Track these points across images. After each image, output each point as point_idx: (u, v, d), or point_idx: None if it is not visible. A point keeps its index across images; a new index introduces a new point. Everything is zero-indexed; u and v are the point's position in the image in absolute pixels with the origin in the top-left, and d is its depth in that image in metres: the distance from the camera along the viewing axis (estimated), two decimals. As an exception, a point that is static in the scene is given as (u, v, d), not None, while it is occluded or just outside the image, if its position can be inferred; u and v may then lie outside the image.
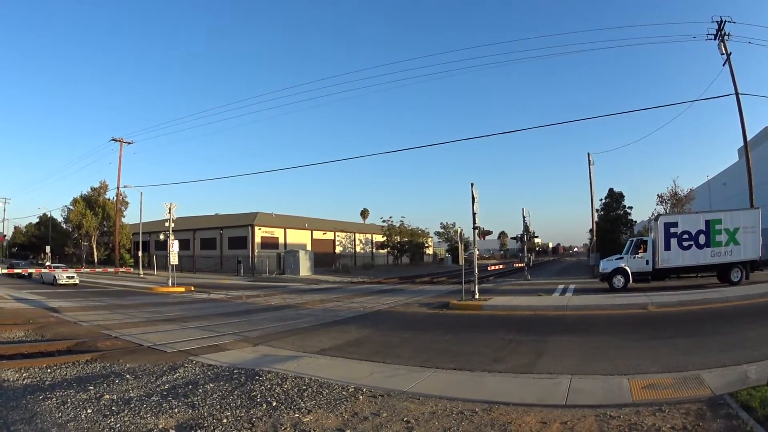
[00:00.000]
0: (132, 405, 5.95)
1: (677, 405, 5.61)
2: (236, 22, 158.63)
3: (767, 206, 27.80)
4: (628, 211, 44.05)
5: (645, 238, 22.20)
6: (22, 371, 7.93)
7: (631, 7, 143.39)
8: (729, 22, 25.94)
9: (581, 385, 6.78)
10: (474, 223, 18.89)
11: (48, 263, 43.33)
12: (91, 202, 56.97)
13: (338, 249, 65.12)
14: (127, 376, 7.57)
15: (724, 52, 26.22)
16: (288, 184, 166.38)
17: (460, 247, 19.93)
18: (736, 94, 25.89)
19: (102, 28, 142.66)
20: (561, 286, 24.24)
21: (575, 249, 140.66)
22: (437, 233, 76.88)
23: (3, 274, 34.75)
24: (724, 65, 26.38)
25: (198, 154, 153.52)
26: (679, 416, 5.24)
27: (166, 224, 29.44)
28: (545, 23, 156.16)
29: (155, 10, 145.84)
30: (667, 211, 37.59)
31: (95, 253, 56.06)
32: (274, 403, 6.04)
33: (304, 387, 6.81)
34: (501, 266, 48.08)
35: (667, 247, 20.51)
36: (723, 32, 26.11)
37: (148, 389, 6.76)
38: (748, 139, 27.36)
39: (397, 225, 66.20)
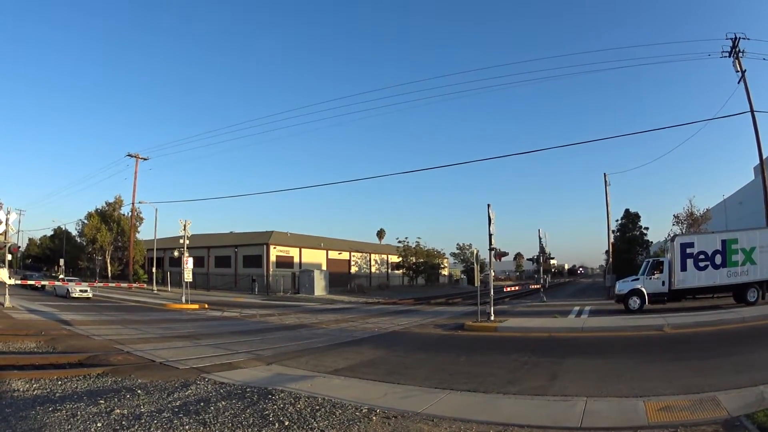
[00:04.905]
0: (143, 420, 5.84)
1: (693, 427, 5.56)
2: (255, 41, 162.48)
3: (784, 225, 27.35)
4: (645, 231, 43.41)
5: (661, 259, 21.96)
6: (32, 382, 7.88)
7: (646, 27, 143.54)
8: (743, 38, 25.79)
9: (596, 407, 6.72)
10: (490, 244, 18.76)
11: (62, 276, 43.42)
12: (106, 216, 57.17)
13: (353, 269, 64.74)
14: (139, 391, 7.47)
15: (738, 69, 25.96)
16: (304, 204, 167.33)
17: (476, 268, 19.60)
18: (752, 111, 25.60)
19: (120, 44, 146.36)
20: (576, 308, 23.97)
21: (581, 270, 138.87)
22: (453, 254, 76.22)
23: (16, 285, 34.87)
24: (739, 83, 26.11)
25: (214, 171, 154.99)
26: (695, 438, 5.17)
27: (181, 241, 29.55)
28: (560, 43, 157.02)
29: (174, 28, 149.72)
30: (684, 231, 36.98)
31: (109, 268, 56.08)
32: (287, 423, 5.90)
33: (317, 407, 6.68)
34: (517, 287, 47.31)
35: (683, 268, 20.18)
36: (737, 49, 25.91)
37: (160, 405, 6.65)
38: (764, 156, 26.83)
39: (413, 245, 65.67)
